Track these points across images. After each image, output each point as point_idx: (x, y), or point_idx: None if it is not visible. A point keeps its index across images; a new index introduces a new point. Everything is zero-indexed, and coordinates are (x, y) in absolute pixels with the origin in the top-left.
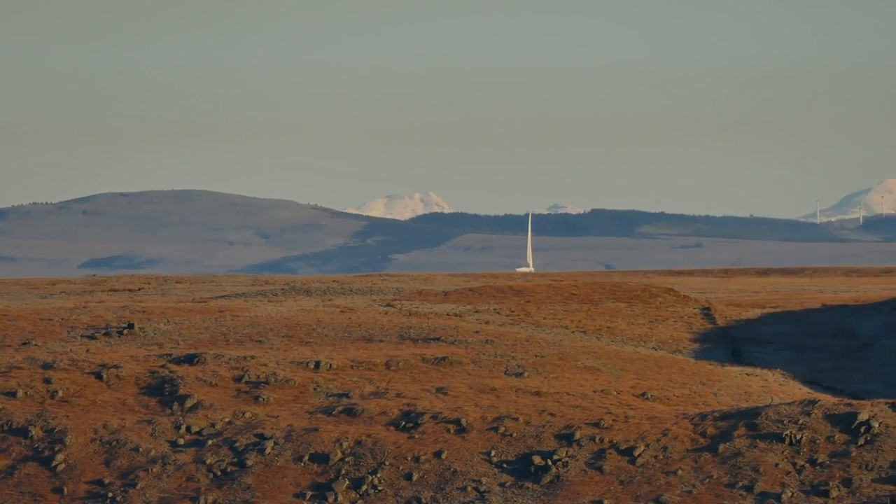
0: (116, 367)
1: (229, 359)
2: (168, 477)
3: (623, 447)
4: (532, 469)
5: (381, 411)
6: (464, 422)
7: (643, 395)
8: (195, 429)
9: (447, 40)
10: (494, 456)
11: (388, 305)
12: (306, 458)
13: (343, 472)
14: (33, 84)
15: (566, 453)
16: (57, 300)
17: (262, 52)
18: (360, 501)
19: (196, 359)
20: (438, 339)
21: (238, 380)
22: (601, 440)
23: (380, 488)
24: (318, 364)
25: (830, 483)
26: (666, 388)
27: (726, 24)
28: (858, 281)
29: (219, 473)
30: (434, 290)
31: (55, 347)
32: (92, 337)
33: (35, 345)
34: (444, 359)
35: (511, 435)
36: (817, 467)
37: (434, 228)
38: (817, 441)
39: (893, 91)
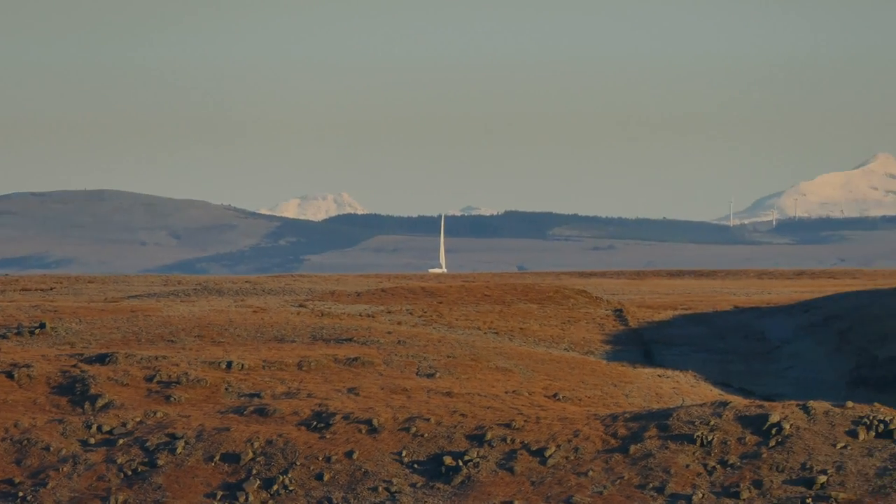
0: (28, 366)
1: (141, 358)
2: (79, 476)
3: (534, 448)
4: (443, 469)
5: (292, 411)
6: (375, 422)
7: (555, 396)
8: (106, 428)
9: (357, 40)
10: (406, 456)
11: (301, 306)
12: (217, 457)
13: (254, 471)
14: None
15: (477, 454)
16: None
17: (174, 52)
18: (270, 501)
19: (108, 358)
20: (350, 339)
21: (149, 379)
22: (512, 441)
23: (291, 488)
24: (229, 364)
25: (741, 484)
26: (577, 389)
27: (634, 21)
28: (770, 283)
29: (129, 473)
30: (346, 291)
31: None
32: (3, 336)
33: None
34: (356, 359)
35: (422, 435)
36: (728, 468)
37: (347, 230)
38: (728, 442)
39: (806, 94)
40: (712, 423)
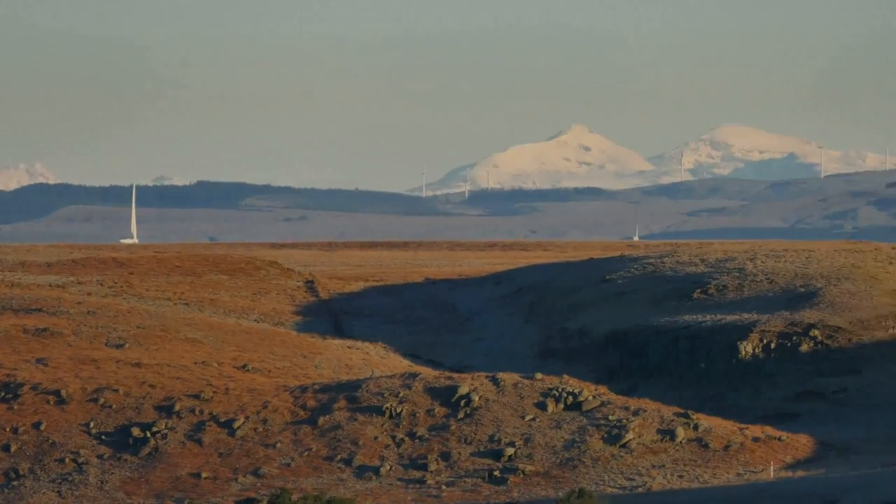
0: None
1: None
2: None
3: (223, 419)
4: (131, 441)
5: None
6: (63, 393)
7: (244, 367)
8: None
9: (73, 13)
10: (94, 427)
11: None
12: None
13: None
14: None
15: (165, 425)
16: None
17: None
18: None
19: None
20: (40, 310)
21: None
22: (201, 412)
23: None
24: None
25: (429, 456)
26: (267, 360)
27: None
28: (462, 255)
29: None
30: (37, 262)
31: None
32: None
33: None
34: (45, 330)
35: (111, 406)
36: (417, 440)
37: (39, 199)
38: (417, 414)
39: (498, 65)
40: (401, 394)
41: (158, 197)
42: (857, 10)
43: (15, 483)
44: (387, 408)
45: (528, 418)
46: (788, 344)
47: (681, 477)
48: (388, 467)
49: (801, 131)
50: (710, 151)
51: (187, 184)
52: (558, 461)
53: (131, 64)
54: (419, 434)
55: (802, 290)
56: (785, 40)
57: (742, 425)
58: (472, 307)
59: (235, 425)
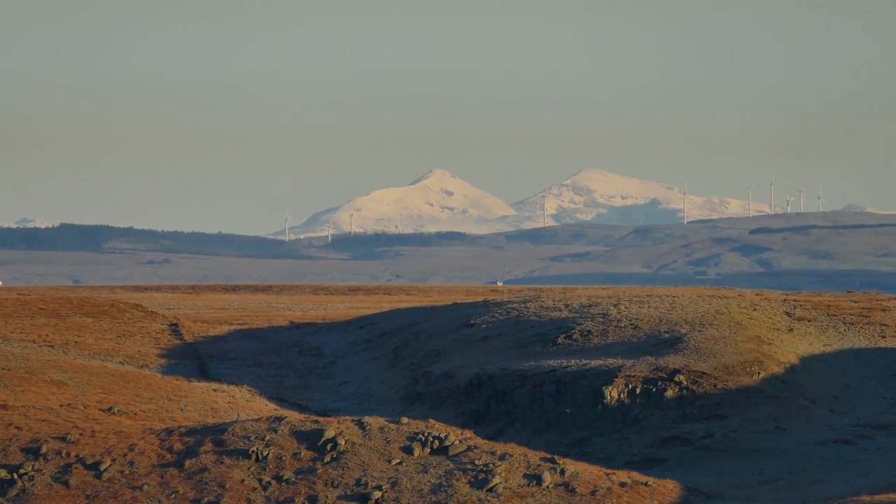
0: None
1: None
2: None
3: (89, 461)
4: None
5: None
6: None
7: (110, 409)
8: None
9: None
10: None
11: None
12: None
13: None
14: None
15: (32, 467)
16: None
17: None
18: None
19: None
20: None
21: None
22: (68, 454)
23: None
24: None
25: (296, 499)
26: (133, 402)
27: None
28: (326, 299)
29: None
30: None
31: None
32: None
33: None
34: None
35: None
36: (283, 483)
37: None
38: (284, 457)
39: (361, 112)
40: (267, 437)
41: (22, 239)
42: (715, 55)
43: None
44: (253, 451)
45: (394, 462)
46: (654, 389)
47: None
48: None
49: (664, 177)
50: (573, 196)
51: (50, 226)
52: None
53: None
54: (286, 477)
55: (667, 335)
56: (646, 86)
57: (609, 470)
58: (337, 351)
59: (102, 467)
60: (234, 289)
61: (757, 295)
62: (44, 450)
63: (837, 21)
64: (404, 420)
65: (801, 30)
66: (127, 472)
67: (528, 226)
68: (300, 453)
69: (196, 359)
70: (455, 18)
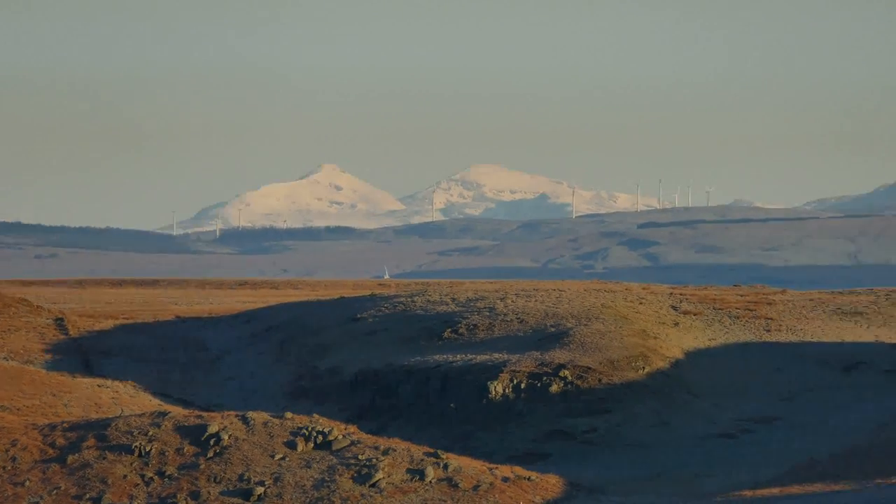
0: None
1: None
2: None
3: None
4: None
5: None
6: None
7: None
8: None
9: None
10: None
11: None
12: None
13: None
14: None
15: None
16: None
17: None
18: None
19: None
20: None
21: None
22: None
23: None
24: None
25: (178, 495)
26: (16, 398)
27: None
28: (212, 293)
29: None
30: None
31: None
32: None
33: None
34: None
35: None
36: (166, 479)
37: None
38: (167, 453)
39: (249, 107)
40: (151, 433)
41: None
42: (603, 49)
43: None
44: (136, 446)
45: (277, 457)
46: (539, 384)
47: None
48: None
49: (553, 172)
50: (462, 191)
51: None
52: (308, 500)
53: None
54: (168, 473)
55: (553, 329)
56: (535, 80)
57: (492, 465)
58: (223, 346)
59: None
60: (121, 283)
61: (643, 289)
62: None
63: (719, 14)
64: (288, 415)
65: (687, 26)
66: (9, 467)
67: (416, 220)
68: (183, 448)
69: (81, 354)
70: (343, 13)
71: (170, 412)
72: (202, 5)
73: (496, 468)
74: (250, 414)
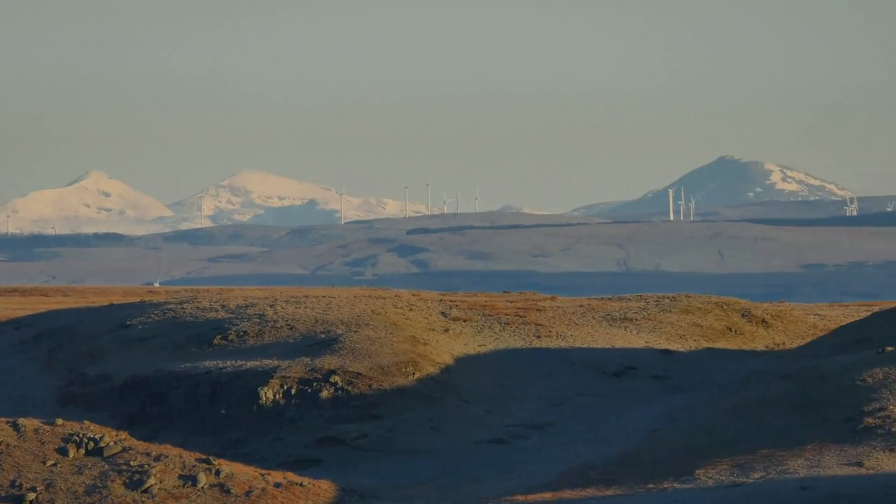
0: None
1: None
2: None
3: None
4: None
5: None
6: None
7: None
8: None
9: None
10: None
11: None
12: None
13: None
14: None
15: None
16: None
17: None
18: None
19: None
20: None
21: None
22: None
23: None
24: None
25: None
26: None
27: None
28: None
29: None
30: None
31: None
32: None
33: None
34: None
35: None
36: None
37: None
38: None
39: (41, 111)
40: None
41: None
42: (369, 58)
43: None
44: None
45: (49, 463)
46: (309, 390)
47: None
48: None
49: (322, 178)
50: (231, 198)
51: None
52: None
53: None
54: None
55: (323, 336)
56: (304, 84)
57: (264, 471)
58: None
59: None
60: None
61: (413, 295)
62: None
63: (465, 13)
64: (59, 422)
65: (438, 23)
66: None
67: (185, 226)
68: None
69: None
70: (106, 16)
71: None
72: None
73: (268, 474)
74: (21, 420)
